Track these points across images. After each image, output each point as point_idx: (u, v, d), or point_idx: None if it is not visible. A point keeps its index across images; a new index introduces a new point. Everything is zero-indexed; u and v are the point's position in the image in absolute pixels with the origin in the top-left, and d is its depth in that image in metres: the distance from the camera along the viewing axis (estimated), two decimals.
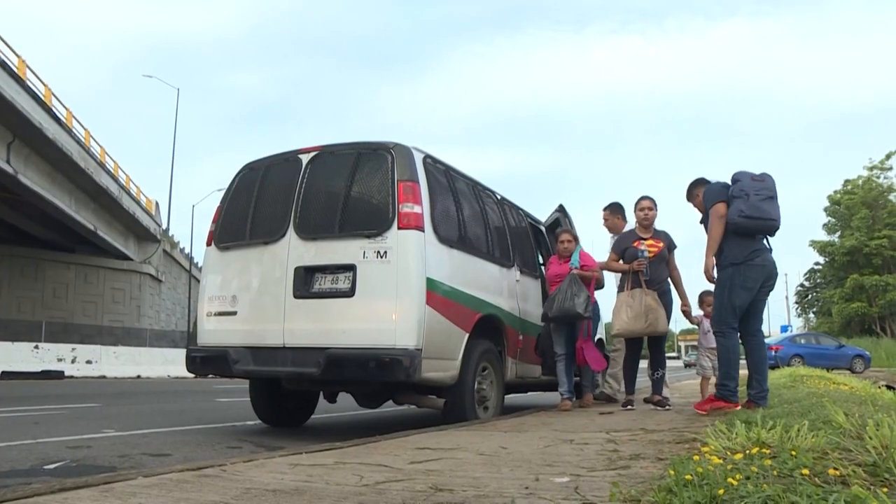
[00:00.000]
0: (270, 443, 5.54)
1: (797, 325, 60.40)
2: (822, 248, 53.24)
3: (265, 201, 6.05)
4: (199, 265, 43.66)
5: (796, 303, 60.91)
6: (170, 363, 24.30)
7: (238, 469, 2.97)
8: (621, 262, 6.82)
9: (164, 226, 41.73)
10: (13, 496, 2.33)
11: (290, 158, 6.05)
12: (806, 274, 59.52)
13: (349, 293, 5.34)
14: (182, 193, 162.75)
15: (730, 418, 4.29)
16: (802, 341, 29.38)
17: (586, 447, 3.68)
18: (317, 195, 5.80)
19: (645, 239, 6.81)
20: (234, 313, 5.89)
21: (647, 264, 6.60)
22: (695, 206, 6.16)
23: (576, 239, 7.53)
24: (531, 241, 7.99)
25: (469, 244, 6.11)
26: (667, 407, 6.70)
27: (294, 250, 5.66)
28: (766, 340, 33.95)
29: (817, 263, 56.65)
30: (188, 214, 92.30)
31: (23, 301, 35.04)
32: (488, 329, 6.23)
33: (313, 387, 6.27)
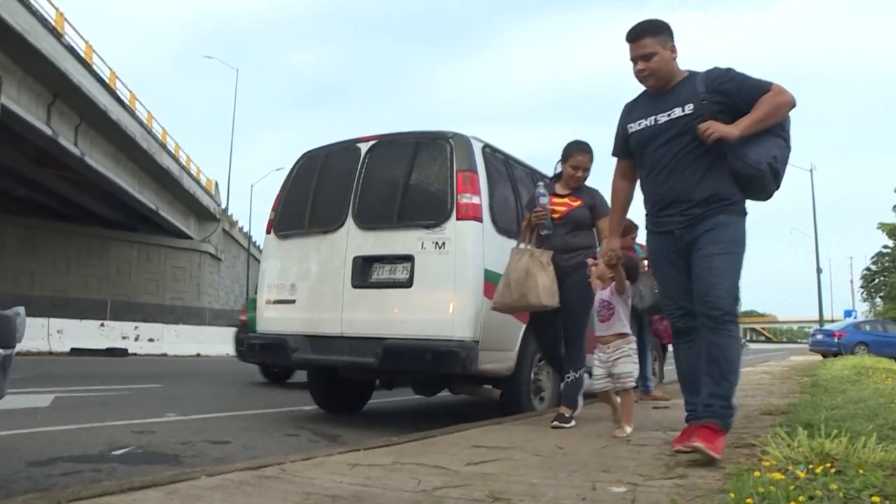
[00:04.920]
0: (328, 431, 5.60)
1: (862, 310, 58.70)
2: (891, 230, 51.51)
3: (324, 190, 6.07)
4: (258, 243, 44.43)
5: (862, 287, 59.11)
6: (228, 342, 24.62)
7: (297, 469, 2.98)
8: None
9: (224, 205, 42.40)
10: (87, 494, 2.38)
11: (349, 147, 6.05)
12: (873, 257, 57.69)
13: (407, 284, 5.34)
14: (240, 171, 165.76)
15: (791, 420, 4.18)
16: (868, 328, 27.76)
17: (643, 449, 3.62)
18: (375, 184, 5.80)
19: (562, 195, 5.13)
20: (293, 301, 5.95)
21: (546, 216, 4.95)
22: None
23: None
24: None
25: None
26: (566, 425, 4.65)
27: (353, 240, 5.68)
28: (829, 326, 32.71)
29: (886, 247, 54.84)
30: (246, 193, 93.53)
31: (89, 278, 36.06)
32: None
33: (370, 376, 6.30)
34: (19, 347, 13.59)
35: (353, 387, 6.75)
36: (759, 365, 18.60)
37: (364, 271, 5.58)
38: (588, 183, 5.20)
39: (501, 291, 4.94)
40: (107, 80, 24.11)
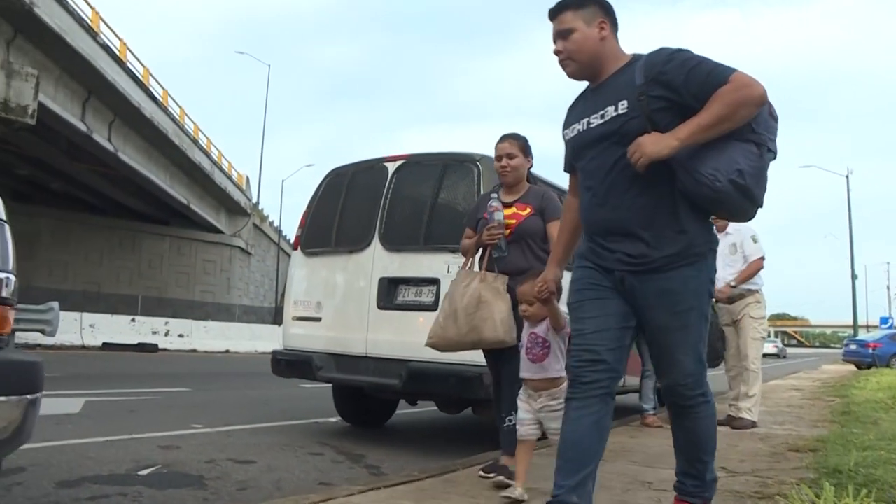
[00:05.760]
0: (351, 449, 5.63)
1: None
2: None
3: (351, 209, 6.10)
4: (288, 237, 44.71)
5: None
6: (257, 339, 24.96)
7: None
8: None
9: (255, 199, 42.73)
10: None
11: (376, 166, 6.07)
12: None
13: (432, 307, 5.33)
14: (271, 164, 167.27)
15: (819, 462, 4.12)
16: None
17: (664, 496, 3.57)
18: (402, 205, 5.82)
19: (508, 204, 4.20)
20: (319, 319, 5.99)
21: (501, 236, 4.09)
22: None
23: None
24: None
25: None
26: (505, 488, 3.59)
27: (379, 261, 5.70)
28: (864, 336, 31.75)
29: None
30: (277, 185, 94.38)
31: (121, 271, 36.61)
32: None
33: (394, 397, 6.34)
34: (54, 341, 13.91)
35: (378, 401, 6.77)
36: (788, 378, 18.25)
37: (390, 293, 5.60)
38: None
39: (443, 324, 3.99)
40: (140, 78, 24.47)
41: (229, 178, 37.30)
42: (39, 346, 16.72)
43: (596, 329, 2.71)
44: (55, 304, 17.22)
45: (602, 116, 2.72)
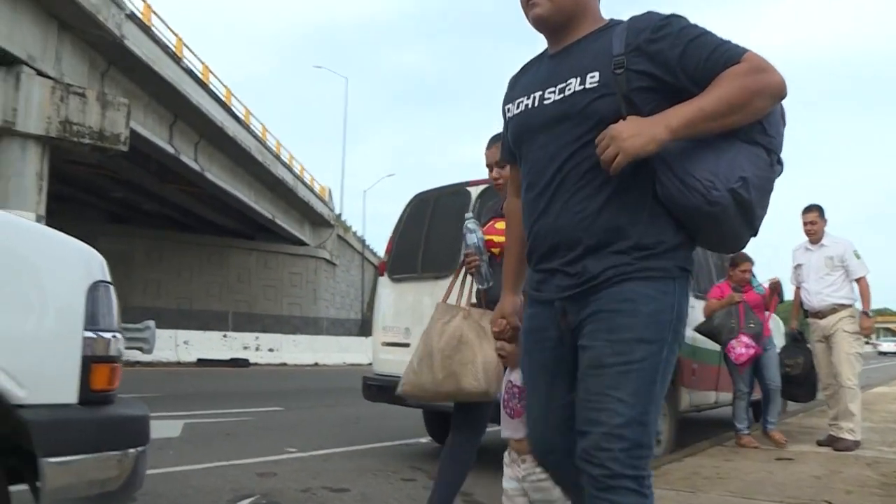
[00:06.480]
0: None
1: None
2: None
3: (435, 234, 6.14)
4: (372, 248, 45.32)
5: None
6: (345, 351, 25.39)
7: None
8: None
9: (337, 211, 43.44)
10: None
11: (460, 191, 6.10)
12: None
13: None
14: (352, 172, 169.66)
15: None
16: None
17: None
18: None
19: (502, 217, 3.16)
20: (408, 345, 6.04)
21: (483, 262, 3.47)
22: None
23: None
24: (704, 260, 7.64)
25: None
26: None
27: (464, 287, 5.70)
28: None
29: None
30: (359, 193, 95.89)
31: (211, 286, 37.74)
32: None
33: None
34: (151, 358, 14.40)
35: None
36: (894, 384, 17.13)
37: None
38: None
39: (417, 368, 3.32)
40: (223, 98, 25.20)
41: (312, 190, 38.01)
42: (138, 363, 17.38)
43: (543, 413, 2.11)
44: (151, 323, 17.86)
45: (562, 91, 1.97)
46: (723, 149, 1.85)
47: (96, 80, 18.15)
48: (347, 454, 6.58)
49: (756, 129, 1.87)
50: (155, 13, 20.46)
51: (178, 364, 19.78)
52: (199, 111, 22.61)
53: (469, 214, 3.65)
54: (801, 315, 7.01)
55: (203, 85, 23.12)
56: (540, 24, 2.04)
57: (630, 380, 1.82)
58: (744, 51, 1.84)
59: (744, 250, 6.33)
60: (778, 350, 7.20)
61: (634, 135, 1.78)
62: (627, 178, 1.88)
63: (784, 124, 1.96)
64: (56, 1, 15.54)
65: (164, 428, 7.32)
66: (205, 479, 5.24)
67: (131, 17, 18.07)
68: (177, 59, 21.11)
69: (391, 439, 7.49)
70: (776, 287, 7.00)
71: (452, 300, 3.57)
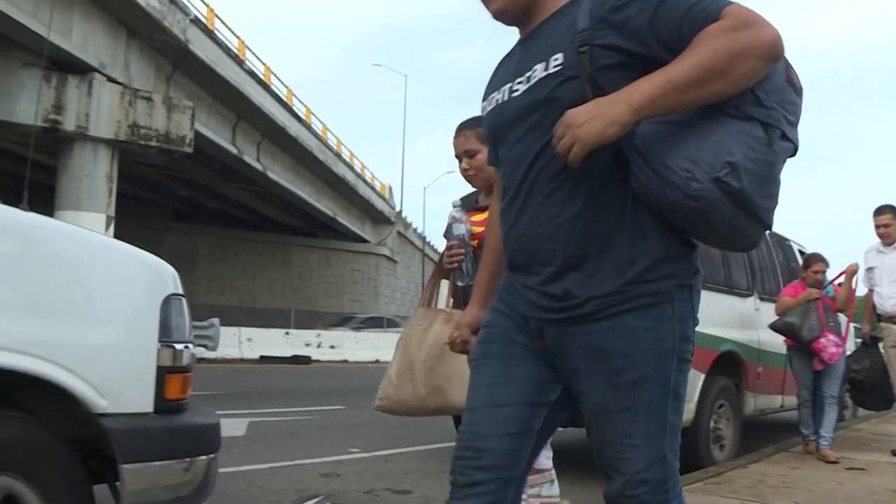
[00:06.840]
0: None
1: None
2: None
3: None
4: (432, 244, 45.53)
5: None
6: None
7: None
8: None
9: (398, 208, 43.71)
10: None
11: None
12: None
13: None
14: (411, 167, 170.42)
15: None
16: None
17: None
18: None
19: (482, 209, 3.22)
20: None
21: (466, 254, 3.16)
22: None
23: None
24: (772, 260, 7.48)
25: (705, 279, 5.83)
26: None
27: None
28: None
29: None
30: (419, 190, 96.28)
31: (274, 283, 38.39)
32: (725, 365, 5.95)
33: None
34: (215, 354, 14.73)
35: None
36: None
37: None
38: None
39: (396, 381, 3.06)
40: (284, 99, 25.58)
41: (372, 188, 38.33)
42: (204, 360, 17.77)
43: (487, 403, 1.75)
44: (216, 321, 18.26)
45: (528, 80, 1.70)
46: (707, 129, 1.53)
47: (162, 84, 18.68)
48: (410, 455, 6.65)
49: (748, 101, 1.53)
50: (218, 17, 20.92)
51: (242, 361, 20.16)
52: (261, 111, 23.01)
53: (456, 202, 3.34)
54: (875, 319, 6.75)
55: (265, 86, 23.52)
56: (503, 17, 1.81)
57: (640, 422, 1.65)
58: (726, 4, 1.51)
59: (817, 251, 6.00)
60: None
61: (591, 118, 1.48)
62: (604, 174, 1.61)
63: (797, 91, 1.61)
64: (125, 9, 16.04)
65: (229, 427, 7.47)
66: (270, 478, 5.34)
67: (195, 21, 18.56)
68: (239, 62, 21.52)
69: (452, 439, 7.51)
70: (853, 272, 6.40)
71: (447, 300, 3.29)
